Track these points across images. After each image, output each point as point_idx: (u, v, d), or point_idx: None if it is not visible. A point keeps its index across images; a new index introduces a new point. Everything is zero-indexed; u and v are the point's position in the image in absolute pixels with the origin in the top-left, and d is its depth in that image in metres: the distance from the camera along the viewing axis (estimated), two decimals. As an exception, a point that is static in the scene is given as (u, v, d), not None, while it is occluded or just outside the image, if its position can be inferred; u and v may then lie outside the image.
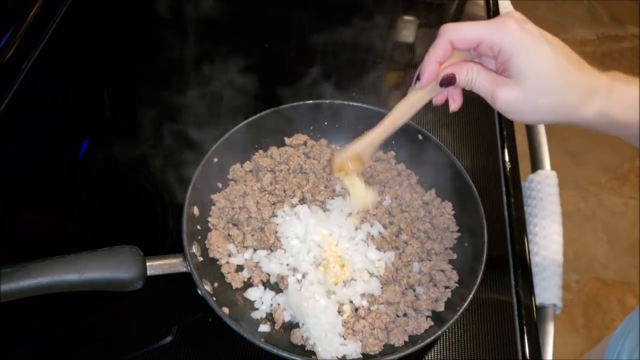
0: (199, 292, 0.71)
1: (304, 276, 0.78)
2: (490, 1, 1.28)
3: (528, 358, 0.75)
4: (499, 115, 1.05)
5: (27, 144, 1.00)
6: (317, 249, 0.80)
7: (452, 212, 0.86)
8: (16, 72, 1.07)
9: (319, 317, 0.72)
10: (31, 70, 1.08)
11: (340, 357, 0.71)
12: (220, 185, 0.88)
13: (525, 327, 0.77)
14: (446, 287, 0.78)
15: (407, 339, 0.73)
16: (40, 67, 1.10)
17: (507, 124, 1.03)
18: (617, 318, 1.95)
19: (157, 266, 0.69)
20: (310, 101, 0.92)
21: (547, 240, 0.87)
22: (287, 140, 0.94)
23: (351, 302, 0.77)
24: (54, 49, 1.14)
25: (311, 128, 0.95)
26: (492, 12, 1.26)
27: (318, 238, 0.80)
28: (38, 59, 1.10)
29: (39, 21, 1.14)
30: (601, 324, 1.93)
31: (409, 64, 1.19)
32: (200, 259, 0.77)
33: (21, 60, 1.08)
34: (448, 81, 0.61)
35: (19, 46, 1.08)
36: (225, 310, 0.71)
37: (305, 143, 0.94)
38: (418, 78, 0.63)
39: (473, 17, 1.28)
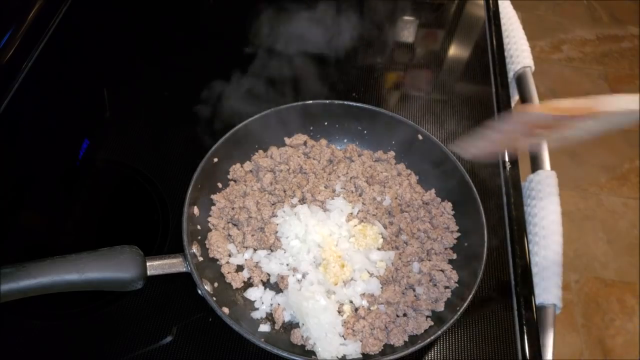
0: (199, 292, 0.71)
1: (304, 276, 0.78)
2: (490, 1, 1.28)
3: (528, 358, 0.75)
4: (499, 115, 1.05)
5: (27, 144, 1.00)
6: (317, 249, 0.80)
7: (452, 212, 0.86)
8: (16, 72, 1.07)
9: (319, 317, 0.72)
10: (31, 70, 1.08)
11: (340, 357, 0.71)
12: (220, 185, 0.88)
13: (525, 327, 0.77)
14: (446, 287, 0.78)
15: (407, 339, 0.73)
16: (40, 67, 1.10)
17: (507, 124, 1.03)
18: (616, 318, 1.95)
19: (157, 266, 0.69)
20: (311, 101, 0.92)
21: (547, 240, 0.87)
22: (287, 140, 0.94)
23: (351, 302, 0.77)
24: (54, 49, 1.14)
25: (311, 128, 0.95)
26: (492, 12, 1.26)
27: (318, 238, 0.80)
28: (38, 59, 1.10)
29: (39, 21, 1.14)
30: (601, 324, 1.93)
31: (409, 64, 1.19)
32: (200, 259, 0.77)
33: (21, 60, 1.08)
34: None
35: (19, 46, 1.08)
36: (225, 310, 0.71)
37: (305, 143, 0.94)
38: None
39: (473, 17, 1.28)
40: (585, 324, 1.93)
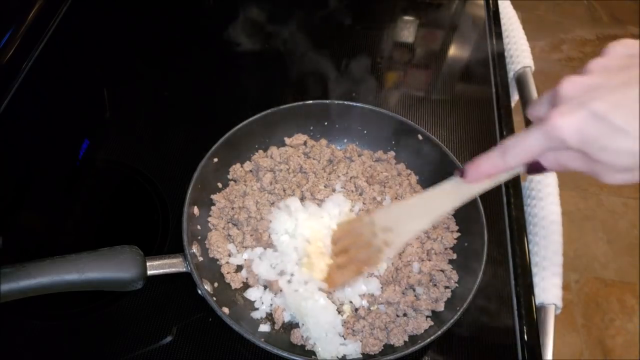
0: (199, 292, 0.71)
1: (292, 277, 0.77)
2: (490, 1, 1.28)
3: (528, 358, 0.75)
4: (499, 115, 1.05)
5: (27, 144, 1.00)
6: (304, 244, 0.79)
7: (452, 212, 0.86)
8: (16, 72, 1.07)
9: (318, 317, 0.72)
10: (31, 70, 1.08)
11: (340, 357, 0.71)
12: (220, 185, 0.88)
13: (525, 327, 0.77)
14: (446, 287, 0.78)
15: (407, 339, 0.73)
16: (40, 67, 1.10)
17: (507, 124, 1.03)
18: (616, 318, 1.95)
19: (157, 266, 0.69)
20: (311, 101, 0.92)
21: (547, 240, 0.87)
22: (287, 140, 0.94)
23: (351, 302, 0.77)
24: (54, 49, 1.14)
25: (311, 128, 0.95)
26: (492, 12, 1.26)
27: (307, 232, 0.79)
28: (38, 59, 1.10)
29: (39, 21, 1.14)
30: (601, 324, 1.93)
31: (409, 64, 1.19)
32: (201, 259, 0.77)
33: (21, 60, 1.08)
34: (537, 169, 0.54)
35: (19, 46, 1.08)
36: (225, 310, 0.71)
37: (305, 143, 0.94)
38: (464, 173, 0.59)
39: (473, 17, 1.28)
40: (585, 324, 1.93)
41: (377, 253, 0.68)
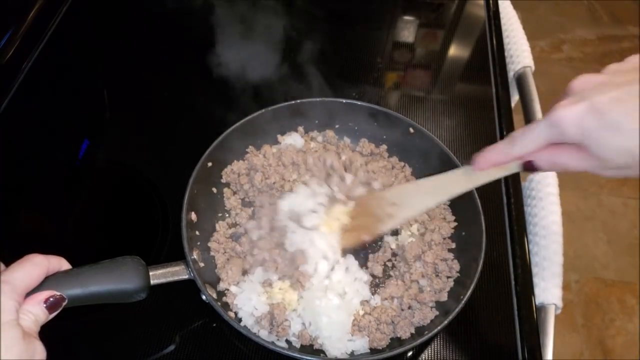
0: (203, 297, 0.70)
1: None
2: (490, 1, 1.28)
3: (528, 358, 0.75)
4: (499, 115, 1.05)
5: (27, 144, 1.00)
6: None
7: (448, 202, 0.86)
8: (16, 72, 1.07)
9: (332, 317, 0.72)
10: (31, 70, 1.08)
11: (348, 353, 0.71)
12: (214, 190, 0.87)
13: (525, 327, 0.77)
14: (448, 277, 0.78)
15: (413, 331, 0.73)
16: (40, 67, 1.10)
17: (507, 124, 1.03)
18: (617, 318, 1.95)
19: (160, 275, 0.68)
20: (301, 100, 0.92)
21: (547, 240, 0.87)
22: (279, 138, 0.94)
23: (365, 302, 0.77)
24: (54, 49, 1.14)
25: (303, 126, 0.95)
26: (492, 12, 1.26)
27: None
28: (38, 59, 1.10)
29: (39, 21, 1.14)
30: (601, 324, 1.93)
31: (409, 64, 1.19)
32: (202, 264, 0.76)
33: (21, 60, 1.08)
34: (533, 168, 0.57)
35: (19, 46, 1.08)
36: (231, 314, 0.71)
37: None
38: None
39: (473, 17, 1.28)
40: (585, 324, 1.93)
41: (379, 223, 0.74)
